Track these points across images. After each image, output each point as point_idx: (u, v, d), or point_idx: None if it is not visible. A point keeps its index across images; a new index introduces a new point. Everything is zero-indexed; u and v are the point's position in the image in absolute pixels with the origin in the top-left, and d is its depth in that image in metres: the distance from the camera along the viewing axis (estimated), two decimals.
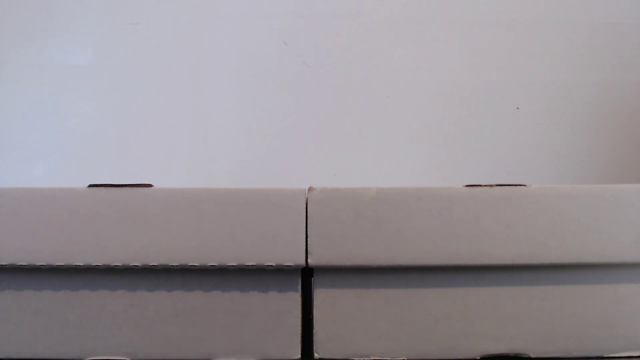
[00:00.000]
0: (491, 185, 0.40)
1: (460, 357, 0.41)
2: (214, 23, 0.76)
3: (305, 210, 0.40)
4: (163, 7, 0.76)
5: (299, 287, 0.41)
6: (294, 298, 0.41)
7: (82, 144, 0.73)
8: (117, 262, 0.39)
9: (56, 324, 0.41)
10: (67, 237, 0.39)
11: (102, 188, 0.40)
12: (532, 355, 0.41)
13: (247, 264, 0.39)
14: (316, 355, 0.41)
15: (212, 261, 0.39)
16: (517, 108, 0.74)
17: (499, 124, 0.74)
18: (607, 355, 0.41)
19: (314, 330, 0.41)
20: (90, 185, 0.40)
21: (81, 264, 0.39)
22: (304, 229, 0.40)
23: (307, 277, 0.41)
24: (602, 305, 0.41)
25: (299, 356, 0.41)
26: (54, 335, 0.41)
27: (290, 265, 0.39)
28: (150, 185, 0.40)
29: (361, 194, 0.40)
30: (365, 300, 0.41)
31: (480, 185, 0.40)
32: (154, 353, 0.41)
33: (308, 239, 0.40)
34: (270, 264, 0.39)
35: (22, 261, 0.39)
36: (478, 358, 0.41)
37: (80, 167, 0.73)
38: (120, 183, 0.40)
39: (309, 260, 0.39)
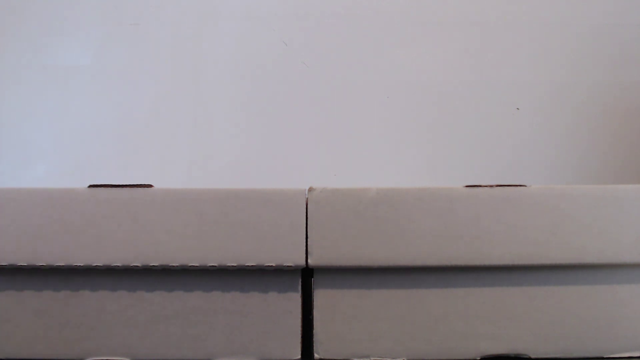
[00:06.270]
0: (491, 186, 0.40)
1: (460, 358, 0.41)
2: (214, 23, 0.76)
3: (305, 210, 0.40)
4: (163, 7, 0.76)
5: (299, 287, 0.41)
6: (294, 298, 0.41)
7: (82, 144, 0.73)
8: (117, 262, 0.39)
9: (56, 324, 0.41)
10: (67, 237, 0.39)
11: (102, 188, 0.40)
12: (532, 356, 0.41)
13: (247, 264, 0.39)
14: (316, 356, 0.41)
15: (212, 261, 0.39)
16: (517, 108, 0.74)
17: (498, 124, 0.74)
18: (607, 356, 0.41)
19: (314, 331, 0.41)
20: (90, 185, 0.40)
21: (81, 264, 0.39)
22: (304, 229, 0.40)
23: (307, 277, 0.41)
24: (602, 306, 0.41)
25: (299, 356, 0.41)
26: (54, 335, 0.41)
27: (290, 266, 0.39)
28: (150, 186, 0.40)
29: (361, 194, 0.40)
30: (365, 300, 0.41)
31: (480, 186, 0.40)
32: (154, 353, 0.41)
33: (308, 239, 0.40)
34: (270, 264, 0.39)
35: (22, 261, 0.39)
36: (478, 358, 0.41)
37: (80, 167, 0.73)
38: (120, 183, 0.40)
39: (309, 261, 0.39)
